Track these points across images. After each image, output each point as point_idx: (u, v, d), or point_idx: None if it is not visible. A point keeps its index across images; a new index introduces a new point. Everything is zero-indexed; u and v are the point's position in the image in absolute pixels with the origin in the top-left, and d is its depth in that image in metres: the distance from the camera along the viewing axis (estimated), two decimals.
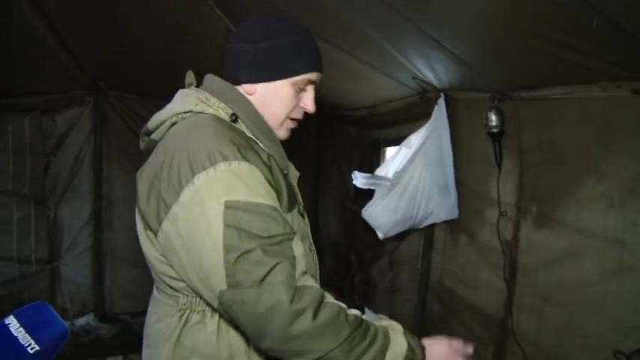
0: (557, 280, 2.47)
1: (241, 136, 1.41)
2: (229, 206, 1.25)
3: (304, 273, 1.30)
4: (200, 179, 1.26)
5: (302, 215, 1.56)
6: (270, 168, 1.40)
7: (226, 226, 1.24)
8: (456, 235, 3.20)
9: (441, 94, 3.07)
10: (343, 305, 1.32)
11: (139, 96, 4.66)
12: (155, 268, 1.44)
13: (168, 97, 1.54)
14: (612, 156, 2.24)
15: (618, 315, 2.17)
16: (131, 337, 4.48)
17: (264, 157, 1.40)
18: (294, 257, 1.29)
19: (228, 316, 1.30)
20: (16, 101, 4.39)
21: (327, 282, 4.41)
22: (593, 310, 2.28)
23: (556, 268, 2.47)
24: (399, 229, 3.14)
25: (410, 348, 1.36)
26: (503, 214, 2.75)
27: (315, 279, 1.49)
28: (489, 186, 2.85)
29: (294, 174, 1.61)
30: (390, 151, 3.88)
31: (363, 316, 1.36)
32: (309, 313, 1.24)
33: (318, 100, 1.54)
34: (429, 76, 2.99)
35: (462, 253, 3.14)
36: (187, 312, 1.42)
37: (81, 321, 4.96)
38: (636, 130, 2.15)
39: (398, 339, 1.36)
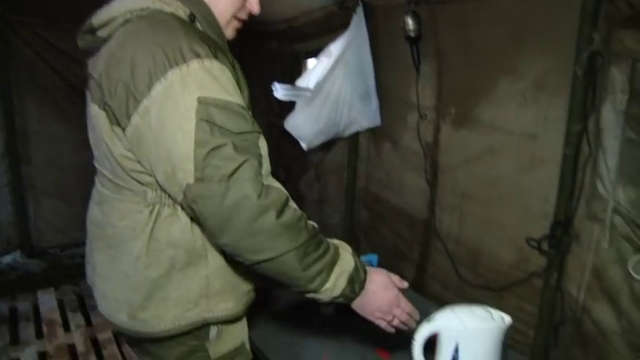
0: (476, 178, 2.57)
1: (206, 35, 1.40)
2: (202, 102, 1.26)
3: (270, 173, 1.33)
4: (173, 74, 1.26)
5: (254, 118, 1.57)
6: (234, 68, 1.42)
7: (199, 120, 1.25)
8: (379, 142, 3.25)
9: (359, 2, 3.03)
10: (304, 214, 1.36)
11: (47, 21, 4.34)
12: (122, 166, 1.41)
13: (82, 20, 1.46)
14: (524, 54, 2.29)
15: (531, 205, 2.30)
16: (61, 269, 4.43)
17: (230, 58, 1.42)
18: (260, 155, 1.31)
19: (191, 210, 1.31)
20: None
21: None
22: (509, 203, 2.40)
23: (474, 166, 2.57)
24: (322, 139, 3.16)
25: (356, 267, 1.43)
26: (423, 117, 2.81)
27: None
28: (409, 91, 2.89)
29: None
30: (311, 63, 3.84)
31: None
32: (274, 211, 1.27)
33: (262, 3, 1.55)
34: None
35: (386, 159, 3.21)
36: (157, 206, 1.42)
37: (7, 259, 4.81)
38: (546, 28, 2.20)
39: (347, 257, 1.42)
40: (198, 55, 1.28)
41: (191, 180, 1.26)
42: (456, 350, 1.54)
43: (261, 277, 1.41)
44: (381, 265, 2.30)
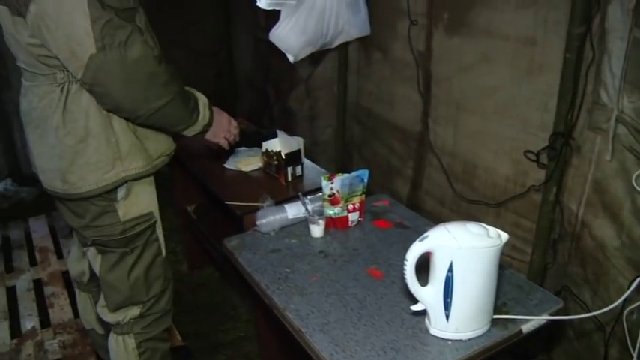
0: (471, 87, 2.41)
1: None
2: None
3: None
4: None
5: (141, 5, 1.80)
6: None
7: (90, 1, 1.51)
8: (369, 52, 3.07)
9: None
10: None
11: None
12: (31, 53, 1.68)
13: None
14: None
15: (529, 116, 2.16)
16: (52, 196, 4.40)
17: None
18: (139, 27, 1.66)
19: (92, 81, 1.61)
20: None
21: (247, 116, 4.32)
22: (506, 113, 2.26)
23: (469, 75, 2.41)
24: (309, 51, 2.98)
25: (207, 98, 1.98)
26: (414, 23, 2.62)
27: None
28: None
29: None
30: None
31: None
32: (164, 63, 1.69)
33: None
34: None
35: (377, 70, 3.03)
36: (67, 84, 1.72)
37: None
38: None
39: (198, 92, 1.96)
40: None
41: (93, 50, 1.55)
42: (451, 269, 1.46)
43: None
44: (374, 181, 2.22)
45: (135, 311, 2.09)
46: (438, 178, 2.68)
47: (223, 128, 2.12)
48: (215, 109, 2.05)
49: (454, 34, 2.44)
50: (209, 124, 1.99)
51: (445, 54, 2.53)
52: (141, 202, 1.96)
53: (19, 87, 4.66)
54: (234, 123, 2.19)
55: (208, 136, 2.06)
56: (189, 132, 1.93)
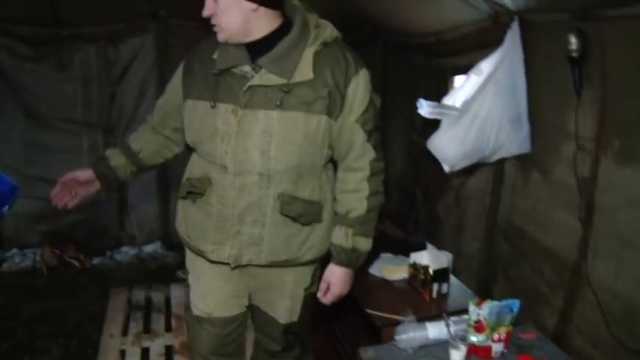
0: None
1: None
2: None
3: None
4: None
5: (234, 113, 1.87)
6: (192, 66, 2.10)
7: None
8: (527, 170, 2.96)
9: (515, 17, 2.77)
10: None
11: (202, 24, 4.57)
12: None
13: None
14: None
15: None
16: None
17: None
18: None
19: None
20: (80, 31, 4.47)
21: (393, 217, 4.30)
22: None
23: (639, 210, 2.23)
24: (466, 163, 2.94)
25: None
26: (581, 147, 2.49)
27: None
28: (566, 117, 2.58)
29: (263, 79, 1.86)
30: (459, 80, 3.63)
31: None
32: None
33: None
34: None
35: (534, 190, 2.91)
36: None
37: (148, 248, 5.13)
38: None
39: None
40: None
41: None
42: None
43: None
44: (520, 310, 2.08)
45: None
46: (593, 315, 2.44)
47: None
48: None
49: (625, 163, 2.29)
50: None
51: (613, 183, 2.37)
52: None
53: (181, 158, 5.10)
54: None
55: None
56: None
